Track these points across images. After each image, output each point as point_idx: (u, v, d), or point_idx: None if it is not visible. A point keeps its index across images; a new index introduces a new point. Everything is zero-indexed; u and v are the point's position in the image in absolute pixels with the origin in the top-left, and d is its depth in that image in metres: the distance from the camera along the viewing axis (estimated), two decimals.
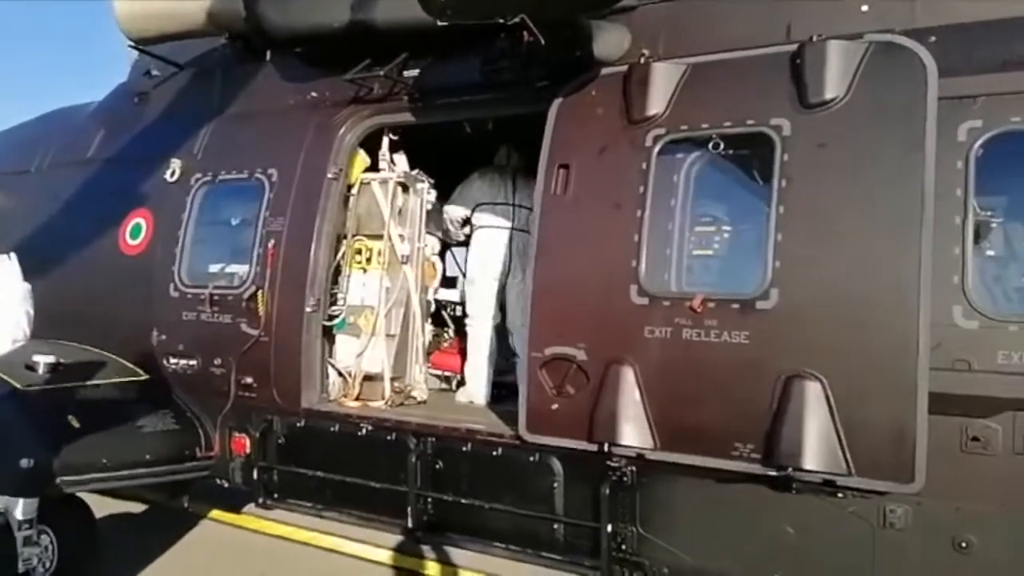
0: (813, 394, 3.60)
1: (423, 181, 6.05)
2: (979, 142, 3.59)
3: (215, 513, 7.17)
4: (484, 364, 6.24)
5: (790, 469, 3.61)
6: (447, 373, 6.88)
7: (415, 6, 4.56)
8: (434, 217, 6.44)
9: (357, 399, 5.64)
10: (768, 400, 3.69)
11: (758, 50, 4.07)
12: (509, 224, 6.40)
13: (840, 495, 3.70)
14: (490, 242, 6.39)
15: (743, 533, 4.02)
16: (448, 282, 7.41)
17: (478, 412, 5.70)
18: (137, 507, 7.21)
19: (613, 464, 4.16)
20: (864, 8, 4.00)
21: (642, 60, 4.36)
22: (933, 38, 3.77)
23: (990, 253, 3.62)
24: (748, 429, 3.74)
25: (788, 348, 3.69)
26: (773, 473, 3.67)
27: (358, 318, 5.77)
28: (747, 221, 4.04)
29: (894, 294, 3.52)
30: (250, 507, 7.00)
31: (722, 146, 4.05)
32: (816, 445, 3.58)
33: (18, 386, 5.20)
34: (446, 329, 7.25)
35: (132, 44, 6.29)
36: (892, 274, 3.54)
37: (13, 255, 4.17)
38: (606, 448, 4.07)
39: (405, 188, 5.93)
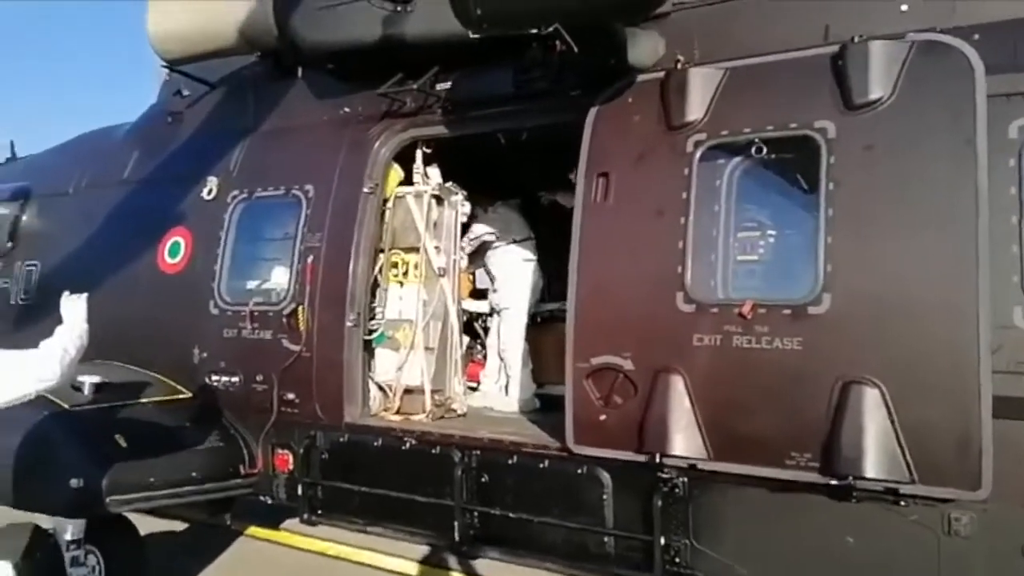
0: (871, 400, 3.52)
1: (457, 193, 6.04)
2: None
3: (254, 529, 7.21)
4: None
5: (850, 478, 3.54)
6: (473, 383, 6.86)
7: (447, 19, 4.59)
8: None
9: (398, 413, 5.64)
10: (824, 407, 3.62)
11: (798, 52, 4.02)
12: None
13: (902, 503, 3.60)
14: None
15: (801, 544, 3.94)
16: (478, 294, 7.39)
17: (519, 423, 5.66)
18: (180, 525, 7.27)
19: (664, 475, 4.11)
20: (904, 8, 3.93)
21: (678, 65, 4.32)
22: (976, 36, 3.69)
23: None
24: (804, 437, 3.68)
25: (843, 353, 3.62)
26: (832, 482, 3.60)
27: (396, 332, 5.77)
28: (794, 225, 3.98)
29: (952, 296, 3.44)
30: (289, 523, 7.06)
31: (765, 150, 3.99)
32: (876, 452, 3.50)
33: (66, 406, 5.26)
34: (477, 340, 7.24)
35: (166, 64, 6.38)
36: (949, 275, 3.46)
37: (84, 296, 4.14)
38: (657, 459, 4.01)
39: (439, 201, 5.93)
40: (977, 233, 3.41)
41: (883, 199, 3.63)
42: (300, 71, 6.00)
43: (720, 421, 3.91)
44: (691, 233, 4.04)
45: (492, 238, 6.68)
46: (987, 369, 3.34)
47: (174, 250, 6.35)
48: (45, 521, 5.37)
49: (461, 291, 6.19)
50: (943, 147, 3.55)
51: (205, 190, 6.23)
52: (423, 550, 5.72)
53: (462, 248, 6.37)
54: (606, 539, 4.44)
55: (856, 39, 3.78)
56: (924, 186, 3.56)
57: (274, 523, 7.15)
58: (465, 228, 6.48)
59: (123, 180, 6.98)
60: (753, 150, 4.01)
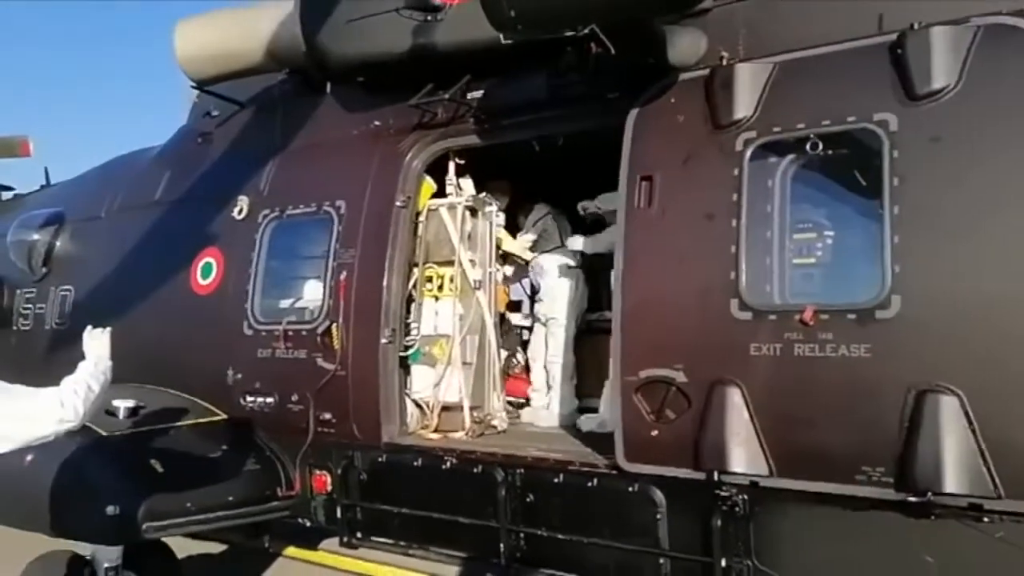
0: (949, 409, 3.29)
1: (491, 204, 5.89)
2: None
3: (293, 550, 7.10)
4: None
5: (929, 494, 3.29)
6: (518, 399, 6.67)
7: (478, 27, 4.45)
8: None
9: (436, 431, 5.48)
10: (897, 418, 3.39)
11: (852, 43, 3.81)
12: None
13: (986, 519, 3.35)
14: None
15: (874, 564, 3.68)
16: (513, 306, 7.22)
17: (563, 440, 5.46)
18: (217, 547, 7.18)
19: (723, 493, 3.88)
20: None
21: (723, 62, 4.13)
22: None
23: None
24: (876, 451, 3.44)
25: (916, 360, 3.38)
26: (909, 498, 3.35)
27: (433, 347, 5.63)
28: (856, 224, 3.75)
29: None
30: (328, 543, 6.94)
31: (821, 146, 3.78)
32: (957, 466, 3.26)
33: (102, 432, 5.19)
34: (516, 354, 7.05)
35: (194, 85, 6.36)
36: None
37: (108, 330, 4.01)
38: (715, 476, 3.80)
39: (473, 212, 5.78)
40: None
41: (954, 193, 3.40)
42: (329, 86, 5.92)
43: (782, 435, 3.69)
44: (744, 236, 3.83)
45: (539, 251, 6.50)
46: None
47: (206, 271, 6.28)
48: (83, 548, 5.31)
49: (498, 304, 6.01)
50: (1018, 137, 3.32)
51: (236, 210, 6.16)
52: (467, 573, 5.53)
53: (526, 247, 6.18)
54: (661, 561, 4.23)
55: (915, 25, 3.56)
56: (1000, 177, 3.33)
57: (312, 543, 7.04)
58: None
59: (154, 202, 6.96)
60: (808, 146, 3.79)
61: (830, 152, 3.78)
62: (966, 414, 3.27)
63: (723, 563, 3.95)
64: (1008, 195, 3.31)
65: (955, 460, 3.26)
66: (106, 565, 5.24)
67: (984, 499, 3.25)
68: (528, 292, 7.19)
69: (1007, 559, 3.38)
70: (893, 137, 3.55)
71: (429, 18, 4.97)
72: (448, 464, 5.01)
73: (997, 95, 3.40)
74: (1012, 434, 3.22)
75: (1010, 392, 3.24)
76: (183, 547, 6.19)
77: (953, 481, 3.26)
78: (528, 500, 4.67)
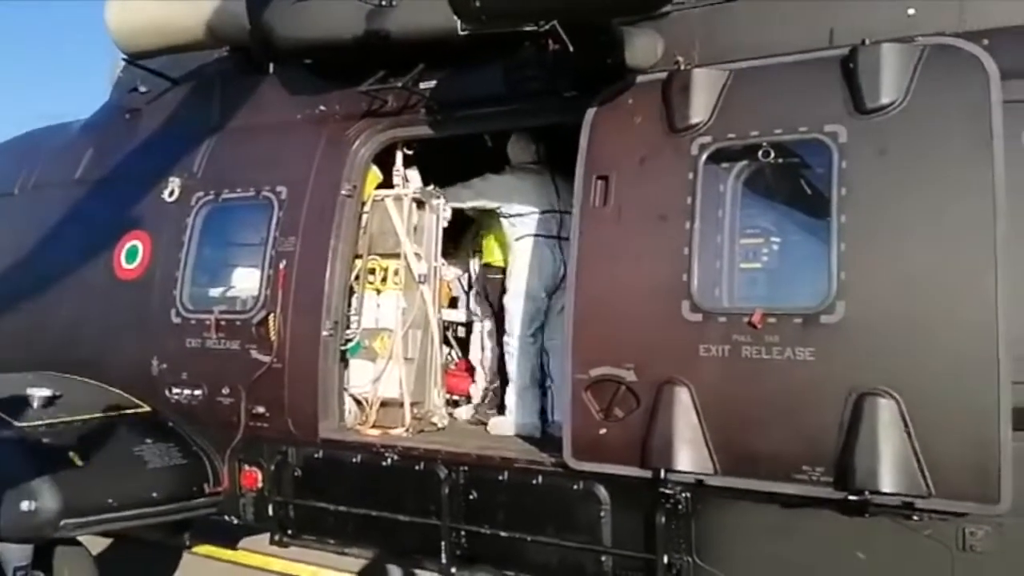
0: (887, 412, 3.43)
1: (439, 197, 5.80)
2: None
3: (212, 549, 6.84)
4: (530, 391, 5.74)
5: (866, 492, 3.42)
6: (455, 396, 6.60)
7: (433, 15, 4.39)
8: None
9: (374, 427, 5.36)
10: (838, 420, 3.51)
11: (805, 55, 3.93)
12: (555, 232, 5.80)
13: (916, 518, 3.51)
14: (538, 252, 5.77)
15: (809, 560, 3.81)
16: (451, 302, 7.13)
17: (505, 438, 5.43)
18: (134, 545, 6.80)
19: (667, 491, 3.93)
20: (911, 11, 3.87)
21: (679, 66, 4.19)
22: (986, 41, 3.65)
23: None
24: (817, 451, 3.56)
25: (858, 364, 3.51)
26: (848, 497, 3.48)
27: (373, 341, 5.50)
28: (806, 231, 3.89)
29: (970, 305, 3.37)
30: (247, 542, 6.72)
31: (772, 154, 3.88)
32: (892, 466, 3.40)
33: (15, 422, 4.84)
34: (451, 350, 6.98)
35: (126, 59, 6.02)
36: (967, 283, 3.39)
37: None
38: (662, 474, 3.85)
39: (420, 205, 5.68)
40: (996, 240, 3.34)
41: (898, 205, 3.54)
42: (272, 67, 5.70)
43: (728, 434, 3.77)
44: (697, 239, 3.90)
45: None
46: (1007, 380, 3.27)
47: (131, 255, 5.96)
48: None
49: (442, 299, 5.93)
50: (960, 153, 3.48)
51: (166, 191, 5.87)
52: (407, 571, 5.44)
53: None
54: (603, 558, 4.26)
55: (867, 42, 3.70)
56: (941, 192, 3.49)
57: (232, 542, 6.80)
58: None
59: (75, 180, 6.55)
60: (760, 154, 3.89)
61: (781, 160, 3.89)
62: (902, 416, 3.41)
63: (665, 559, 4.01)
64: (947, 208, 3.48)
65: (891, 460, 3.40)
66: (14, 565, 4.88)
67: (916, 498, 3.40)
68: (465, 288, 7.11)
69: (932, 555, 3.56)
70: (842, 148, 3.68)
71: (383, 3, 4.86)
72: (389, 461, 4.91)
73: (939, 113, 3.56)
74: (943, 436, 3.38)
75: (942, 397, 3.40)
76: (96, 544, 5.86)
77: (888, 480, 3.39)
78: (471, 497, 4.63)
